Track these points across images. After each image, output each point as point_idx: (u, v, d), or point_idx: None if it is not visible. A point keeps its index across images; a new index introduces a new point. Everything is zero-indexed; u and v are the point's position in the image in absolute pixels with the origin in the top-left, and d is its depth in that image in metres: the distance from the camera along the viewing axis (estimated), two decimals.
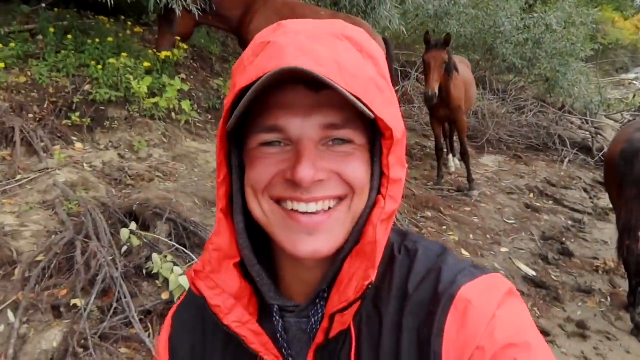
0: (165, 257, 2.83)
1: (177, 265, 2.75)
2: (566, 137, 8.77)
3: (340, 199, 0.64)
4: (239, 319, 0.67)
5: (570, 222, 5.80)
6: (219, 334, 0.73)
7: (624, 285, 4.37)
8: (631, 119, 8.91)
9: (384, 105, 0.64)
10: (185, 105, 4.75)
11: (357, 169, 0.64)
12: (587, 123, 9.16)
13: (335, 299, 0.63)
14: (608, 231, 5.69)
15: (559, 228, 5.56)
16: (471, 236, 4.92)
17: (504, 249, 4.81)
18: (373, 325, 0.66)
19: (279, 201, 0.65)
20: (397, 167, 0.66)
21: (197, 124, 5.10)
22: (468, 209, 5.60)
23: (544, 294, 4.18)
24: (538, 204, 6.18)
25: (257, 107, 0.63)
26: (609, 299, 4.23)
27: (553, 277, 4.52)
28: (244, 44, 5.26)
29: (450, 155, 6.98)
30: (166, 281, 2.71)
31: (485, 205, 5.80)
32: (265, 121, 0.63)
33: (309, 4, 6.10)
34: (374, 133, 0.66)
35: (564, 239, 5.25)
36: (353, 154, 0.64)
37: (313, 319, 0.69)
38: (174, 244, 2.90)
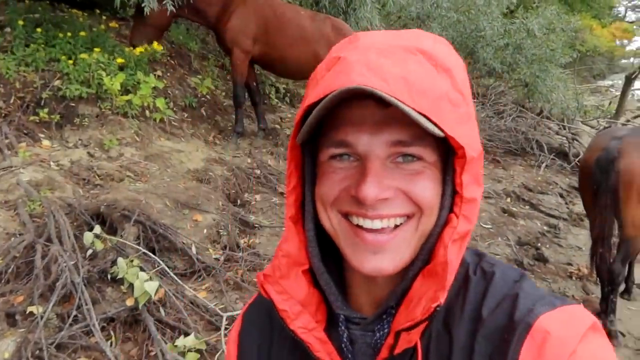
0: (132, 261, 2.73)
1: (144, 271, 2.65)
2: (544, 142, 8.86)
3: (407, 216, 0.64)
4: (305, 325, 0.68)
5: (545, 228, 5.84)
6: (287, 338, 0.73)
7: (596, 291, 4.39)
8: (607, 125, 9.06)
9: (458, 121, 0.62)
10: (160, 103, 4.63)
11: (426, 188, 0.63)
12: (564, 129, 9.27)
13: (402, 317, 0.64)
14: (582, 237, 5.73)
15: (535, 233, 5.58)
16: None
17: None
18: (442, 345, 0.64)
19: (346, 215, 0.66)
20: (472, 186, 0.64)
21: (172, 123, 4.98)
22: None
23: None
24: (515, 209, 6.20)
25: (329, 120, 0.64)
26: (581, 305, 4.24)
27: None
28: (221, 41, 5.16)
29: None
30: (131, 287, 2.61)
31: None
32: (335, 135, 0.64)
33: (290, 3, 6.02)
34: (447, 150, 0.65)
35: (539, 245, 5.27)
36: (422, 172, 0.64)
37: (378, 334, 0.70)
38: (140, 248, 2.79)
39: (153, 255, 2.78)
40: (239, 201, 4.31)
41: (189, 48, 6.83)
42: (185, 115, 5.34)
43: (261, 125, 5.69)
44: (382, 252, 0.63)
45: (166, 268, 2.74)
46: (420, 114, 0.57)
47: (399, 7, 8.72)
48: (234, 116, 6.26)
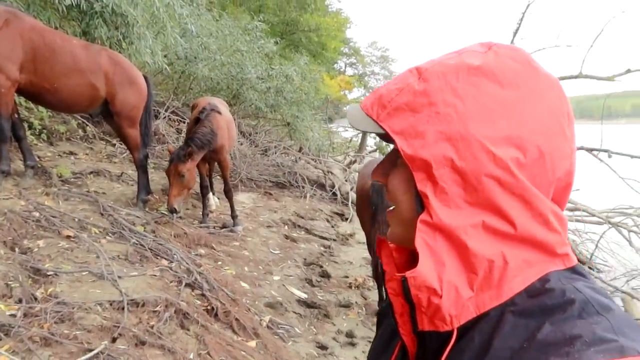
0: None
1: None
2: (305, 175, 9.96)
3: None
4: (394, 288, 0.75)
5: (322, 248, 6.61)
6: None
7: (371, 296, 5.22)
8: (353, 159, 10.73)
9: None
10: None
11: None
12: (320, 163, 10.61)
13: None
14: (351, 253, 6.69)
15: (316, 254, 6.26)
16: (246, 268, 5.12)
17: (276, 277, 5.16)
18: (480, 350, 0.64)
19: None
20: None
21: None
22: (237, 243, 5.81)
23: (316, 313, 4.65)
24: (294, 235, 6.83)
25: None
26: (364, 309, 4.97)
27: (319, 297, 5.06)
28: None
29: (211, 194, 7.11)
30: None
31: (251, 239, 6.11)
32: None
33: (61, 32, 5.52)
34: None
35: (321, 263, 5.94)
36: None
37: None
38: None
39: None
40: (17, 250, 3.70)
41: None
42: None
43: (29, 162, 4.98)
44: None
45: None
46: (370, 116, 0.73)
47: (164, 46, 8.75)
48: None
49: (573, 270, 0.66)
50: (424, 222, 0.65)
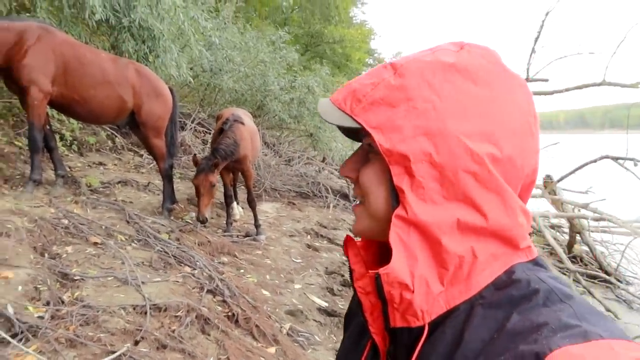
0: None
1: None
2: (328, 185, 10.00)
3: None
4: (364, 287, 0.74)
5: (344, 258, 6.59)
6: None
7: None
8: None
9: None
10: None
11: None
12: None
13: None
14: None
15: (337, 263, 6.27)
16: (267, 277, 5.17)
17: (297, 286, 5.18)
18: (451, 344, 0.65)
19: None
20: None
21: None
22: (259, 252, 5.87)
23: (336, 322, 4.65)
24: (317, 244, 6.85)
25: None
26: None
27: (340, 305, 5.06)
28: (14, 80, 4.60)
29: (235, 203, 7.22)
30: None
31: (273, 248, 6.17)
32: None
33: (91, 46, 5.73)
34: None
35: (342, 272, 5.94)
36: None
37: None
38: None
39: None
40: (46, 255, 3.83)
41: None
42: None
43: (59, 172, 5.16)
44: None
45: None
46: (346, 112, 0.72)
47: (190, 58, 8.97)
48: (20, 164, 5.55)
49: (535, 262, 0.68)
50: (399, 217, 0.66)
